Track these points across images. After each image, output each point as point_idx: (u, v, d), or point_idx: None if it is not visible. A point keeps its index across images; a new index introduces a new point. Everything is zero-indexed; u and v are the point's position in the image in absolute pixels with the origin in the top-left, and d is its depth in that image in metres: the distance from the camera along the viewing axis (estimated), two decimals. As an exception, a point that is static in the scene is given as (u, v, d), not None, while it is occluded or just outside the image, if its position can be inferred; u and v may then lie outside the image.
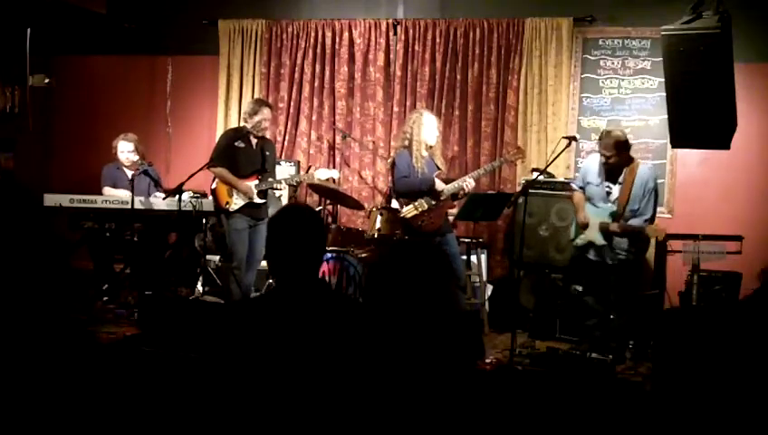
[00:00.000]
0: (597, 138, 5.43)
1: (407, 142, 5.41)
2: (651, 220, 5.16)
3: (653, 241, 5.82)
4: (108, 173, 6.38)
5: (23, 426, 2.42)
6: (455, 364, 2.14)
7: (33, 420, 2.42)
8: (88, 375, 2.51)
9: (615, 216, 5.04)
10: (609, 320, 5.18)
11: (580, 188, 5.31)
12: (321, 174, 5.86)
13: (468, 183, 5.40)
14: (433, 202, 5.32)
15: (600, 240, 5.09)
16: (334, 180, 6.32)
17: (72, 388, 2.48)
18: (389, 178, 6.27)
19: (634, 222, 5.03)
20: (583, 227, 5.16)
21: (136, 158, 6.30)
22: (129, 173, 6.27)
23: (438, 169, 5.44)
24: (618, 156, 5.02)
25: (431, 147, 5.42)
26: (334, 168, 6.52)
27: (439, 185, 5.36)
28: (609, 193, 5.12)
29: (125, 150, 6.31)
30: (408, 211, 5.31)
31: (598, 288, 5.26)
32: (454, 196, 5.48)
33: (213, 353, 2.16)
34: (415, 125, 5.37)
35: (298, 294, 2.19)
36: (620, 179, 5.07)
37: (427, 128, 5.38)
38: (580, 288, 5.60)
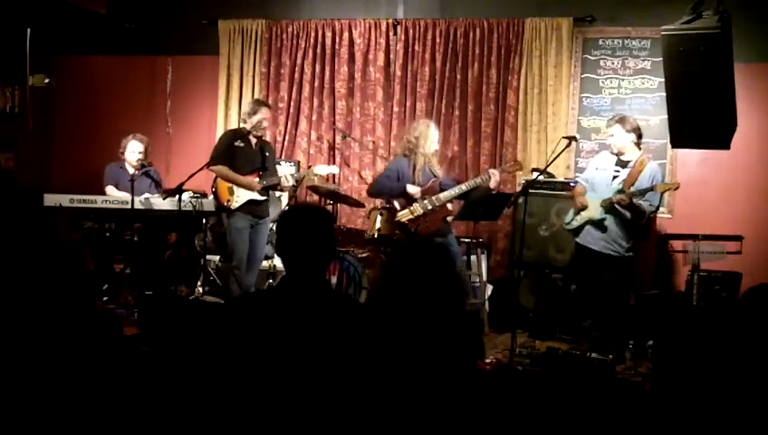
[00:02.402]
0: (601, 131, 5.47)
1: (407, 152, 5.45)
2: (656, 210, 5.20)
3: (653, 237, 5.84)
4: (111, 172, 6.38)
5: (23, 425, 2.41)
6: (455, 364, 2.14)
7: (32, 419, 2.42)
8: (89, 375, 2.51)
9: (620, 191, 5.05)
10: (608, 320, 5.19)
11: (585, 180, 5.37)
12: (321, 170, 5.89)
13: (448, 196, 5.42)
14: (429, 207, 5.35)
15: (599, 215, 5.10)
16: (334, 177, 6.33)
17: (72, 387, 2.48)
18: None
19: (640, 201, 5.03)
20: (581, 208, 5.18)
21: (140, 158, 6.31)
22: (131, 172, 6.27)
23: (435, 176, 5.47)
24: (622, 134, 5.11)
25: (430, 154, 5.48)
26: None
27: (411, 189, 5.39)
28: (615, 177, 5.15)
29: (135, 151, 6.31)
30: (403, 215, 5.36)
31: (595, 287, 5.26)
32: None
33: (212, 348, 2.17)
34: (421, 137, 5.45)
35: (300, 292, 2.19)
36: (630, 165, 5.13)
37: (432, 140, 5.46)
38: (578, 288, 5.62)
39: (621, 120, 5.17)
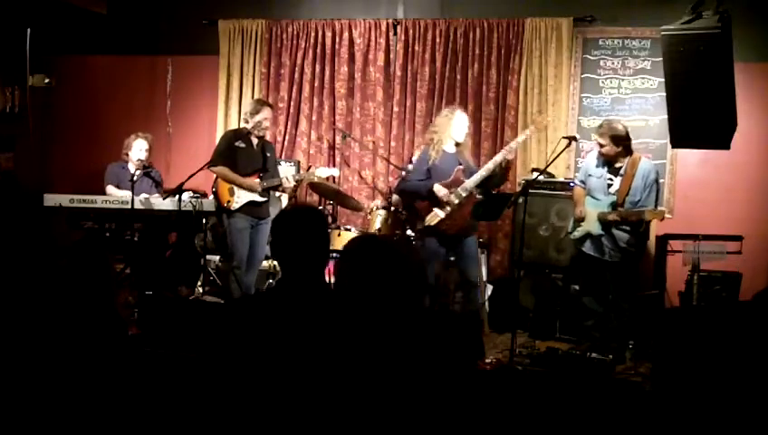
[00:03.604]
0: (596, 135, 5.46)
1: (432, 137, 5.40)
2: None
3: (653, 238, 5.85)
4: (112, 172, 6.37)
5: (22, 425, 2.41)
6: (455, 364, 2.14)
7: (32, 419, 2.42)
8: (91, 375, 2.50)
9: (614, 206, 5.06)
10: (608, 320, 5.19)
11: (582, 182, 5.36)
12: (322, 172, 5.88)
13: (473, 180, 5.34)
14: (456, 202, 5.28)
15: (597, 230, 5.11)
16: (334, 178, 6.33)
17: (72, 387, 2.48)
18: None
19: (633, 211, 5.04)
20: (580, 220, 5.19)
21: (145, 157, 6.31)
22: (133, 172, 6.26)
23: (460, 164, 5.37)
24: (611, 146, 5.09)
25: (459, 144, 5.39)
26: (334, 167, 6.53)
27: (439, 191, 5.29)
28: (610, 185, 5.16)
29: (141, 149, 6.31)
30: (432, 218, 5.29)
31: (595, 288, 5.27)
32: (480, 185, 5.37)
33: (212, 348, 2.17)
34: (445, 119, 5.36)
35: (297, 293, 2.19)
36: (621, 172, 5.11)
37: (456, 125, 5.35)
38: (578, 288, 5.62)
39: (609, 129, 5.12)
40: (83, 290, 2.61)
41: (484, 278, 6.21)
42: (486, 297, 6.15)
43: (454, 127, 5.34)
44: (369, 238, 2.62)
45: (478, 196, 5.36)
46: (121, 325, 2.66)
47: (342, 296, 2.16)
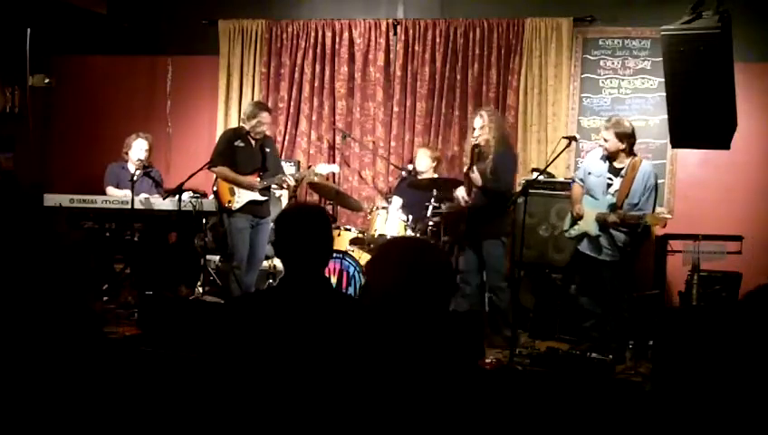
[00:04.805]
0: (600, 131, 5.49)
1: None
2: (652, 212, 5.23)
3: (653, 237, 5.85)
4: (112, 172, 6.37)
5: (23, 425, 2.41)
6: (455, 364, 2.14)
7: (33, 419, 2.42)
8: (88, 375, 2.51)
9: (613, 207, 5.06)
10: (607, 321, 5.19)
11: (581, 180, 5.35)
12: (322, 169, 5.90)
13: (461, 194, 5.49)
14: (457, 204, 5.51)
15: (594, 231, 5.12)
16: (334, 175, 6.34)
17: (71, 387, 2.48)
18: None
19: (633, 212, 5.04)
20: (578, 218, 5.19)
21: (145, 157, 6.32)
22: (133, 172, 6.26)
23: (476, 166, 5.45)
24: (614, 141, 5.09)
25: (478, 145, 5.46)
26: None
27: (457, 193, 5.57)
28: (609, 185, 5.15)
29: (141, 149, 6.31)
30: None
31: (592, 288, 5.27)
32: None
33: (212, 348, 2.17)
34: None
35: (300, 291, 2.20)
36: (622, 173, 5.11)
37: (474, 127, 5.49)
38: (575, 287, 5.62)
39: (616, 125, 5.13)
40: (59, 286, 2.60)
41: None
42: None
43: (474, 130, 5.49)
44: (409, 240, 2.62)
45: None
46: (96, 322, 2.64)
47: (373, 294, 2.16)
